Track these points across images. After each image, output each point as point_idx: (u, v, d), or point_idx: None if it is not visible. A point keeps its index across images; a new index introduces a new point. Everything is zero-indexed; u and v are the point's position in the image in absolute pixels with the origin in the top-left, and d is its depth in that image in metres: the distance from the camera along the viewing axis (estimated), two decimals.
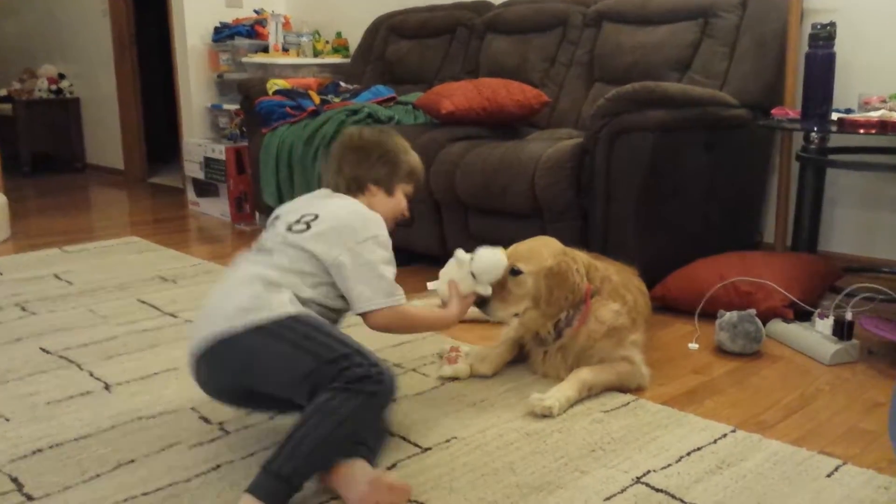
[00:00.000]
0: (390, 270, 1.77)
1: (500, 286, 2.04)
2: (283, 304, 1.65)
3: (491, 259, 1.96)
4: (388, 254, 1.79)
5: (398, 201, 1.94)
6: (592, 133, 2.71)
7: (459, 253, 1.96)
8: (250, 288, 1.69)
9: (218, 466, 1.69)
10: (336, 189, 1.90)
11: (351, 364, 1.56)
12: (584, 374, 2.01)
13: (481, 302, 2.02)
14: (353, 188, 1.89)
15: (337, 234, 1.74)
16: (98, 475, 1.67)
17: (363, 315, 1.75)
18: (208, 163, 4.59)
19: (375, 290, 1.72)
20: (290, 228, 1.79)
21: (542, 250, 2.10)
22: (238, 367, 1.65)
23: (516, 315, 2.10)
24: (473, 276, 1.94)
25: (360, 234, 1.75)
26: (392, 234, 1.85)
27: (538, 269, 2.06)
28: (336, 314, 1.78)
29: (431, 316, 1.93)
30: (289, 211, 1.86)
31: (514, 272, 2.06)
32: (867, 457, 1.70)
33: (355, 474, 1.55)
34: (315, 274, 1.72)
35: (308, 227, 1.76)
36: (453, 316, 1.91)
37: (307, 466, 1.51)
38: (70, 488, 1.62)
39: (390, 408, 1.72)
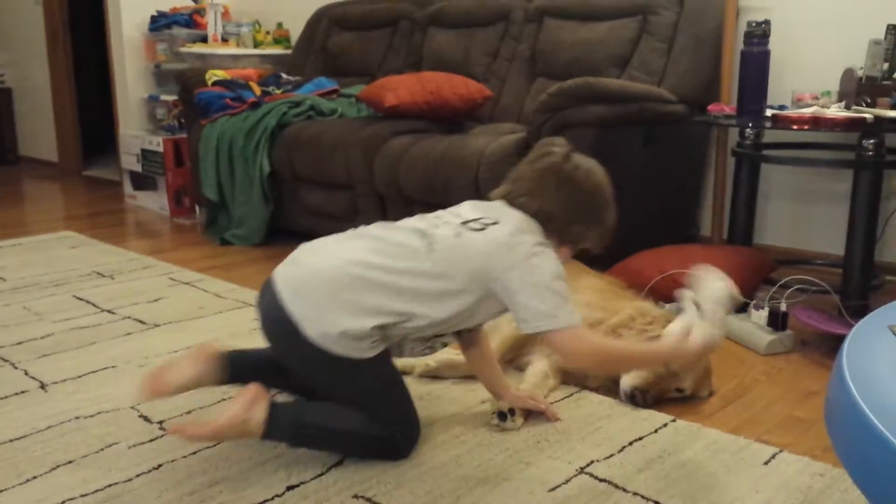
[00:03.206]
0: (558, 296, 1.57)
1: (654, 374, 1.91)
2: (362, 340, 1.57)
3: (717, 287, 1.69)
4: (557, 283, 1.59)
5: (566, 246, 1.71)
6: (535, 128, 2.74)
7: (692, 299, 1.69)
8: (347, 289, 1.58)
9: (159, 466, 1.66)
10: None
11: (396, 433, 1.65)
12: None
13: None
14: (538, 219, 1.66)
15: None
16: (35, 477, 1.62)
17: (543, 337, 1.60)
18: (146, 155, 4.49)
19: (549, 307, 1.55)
20: (465, 223, 1.64)
21: None
22: (290, 359, 1.68)
23: None
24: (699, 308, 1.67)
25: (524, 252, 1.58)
26: None
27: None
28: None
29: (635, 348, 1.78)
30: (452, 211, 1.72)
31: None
32: (803, 444, 1.76)
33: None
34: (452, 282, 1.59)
35: (484, 228, 1.62)
36: (667, 351, 1.69)
37: (300, 434, 1.64)
38: (6, 491, 1.57)
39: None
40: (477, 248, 1.59)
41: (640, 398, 1.90)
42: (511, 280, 1.56)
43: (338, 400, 1.65)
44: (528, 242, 1.60)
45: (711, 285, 1.67)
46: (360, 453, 1.67)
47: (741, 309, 2.47)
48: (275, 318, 1.62)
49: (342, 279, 1.58)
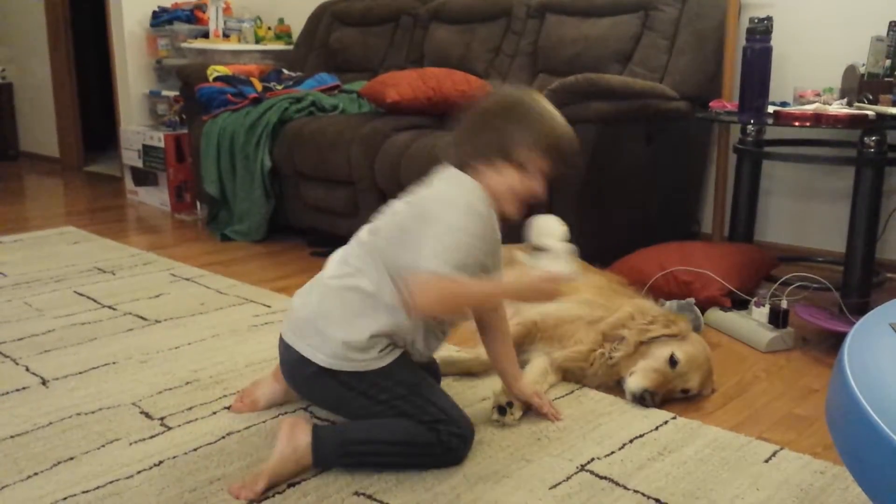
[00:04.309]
0: (451, 233, 1.54)
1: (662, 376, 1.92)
2: (368, 350, 1.59)
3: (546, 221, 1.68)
4: (462, 218, 1.56)
5: (510, 172, 1.63)
6: None
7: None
8: (335, 305, 1.61)
9: (160, 463, 1.66)
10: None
11: (443, 434, 1.60)
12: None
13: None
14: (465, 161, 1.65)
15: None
16: (36, 473, 1.62)
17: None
18: (147, 151, 4.49)
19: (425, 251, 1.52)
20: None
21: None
22: (325, 403, 1.74)
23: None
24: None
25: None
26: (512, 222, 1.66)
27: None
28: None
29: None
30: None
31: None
32: (803, 442, 1.76)
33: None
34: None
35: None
36: (513, 285, 1.69)
37: (349, 453, 1.60)
38: (7, 487, 1.57)
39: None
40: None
41: (650, 399, 1.90)
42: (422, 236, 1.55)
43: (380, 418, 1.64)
44: (441, 200, 1.60)
45: (544, 224, 1.67)
46: (417, 463, 1.62)
47: (742, 306, 2.47)
48: (292, 363, 1.66)
49: (329, 297, 1.63)
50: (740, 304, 2.49)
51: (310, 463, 1.59)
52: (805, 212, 3.19)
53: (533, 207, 1.68)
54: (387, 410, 1.62)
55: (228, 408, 1.91)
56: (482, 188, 1.62)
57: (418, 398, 1.62)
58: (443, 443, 1.61)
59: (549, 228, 1.66)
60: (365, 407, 1.63)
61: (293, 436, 1.59)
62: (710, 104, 2.96)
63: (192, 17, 4.89)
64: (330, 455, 1.60)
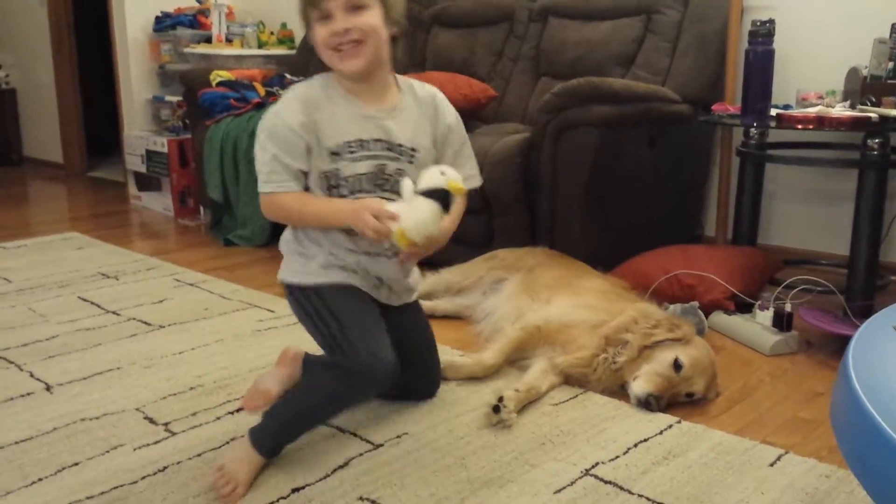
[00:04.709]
0: (262, 157, 1.68)
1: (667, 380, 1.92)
2: (289, 264, 1.79)
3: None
4: (265, 141, 1.68)
5: (314, 34, 1.66)
6: (539, 128, 2.74)
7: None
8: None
9: (164, 468, 1.67)
10: None
11: (342, 356, 1.63)
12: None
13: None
14: None
15: None
16: (40, 479, 1.62)
17: None
18: (150, 156, 4.50)
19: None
20: None
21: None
22: None
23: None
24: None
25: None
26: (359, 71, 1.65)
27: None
28: None
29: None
30: None
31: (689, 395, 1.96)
32: (808, 446, 1.75)
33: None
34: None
35: None
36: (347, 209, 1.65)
37: (281, 432, 1.67)
38: (11, 493, 1.57)
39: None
40: None
41: (655, 404, 1.89)
42: None
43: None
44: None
45: (429, 172, 1.62)
46: (339, 409, 1.72)
47: (746, 310, 2.47)
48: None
49: None
50: (744, 308, 2.49)
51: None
52: (809, 215, 3.18)
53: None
54: (320, 338, 1.71)
55: (234, 412, 1.91)
56: (306, 85, 1.73)
57: (334, 323, 1.67)
58: (350, 370, 1.62)
59: (442, 179, 1.60)
60: (312, 332, 1.75)
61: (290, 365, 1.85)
62: (713, 107, 2.96)
63: (195, 22, 4.90)
64: (272, 446, 1.66)
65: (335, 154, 1.68)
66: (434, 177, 1.60)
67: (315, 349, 1.79)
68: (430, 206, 1.57)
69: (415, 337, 1.92)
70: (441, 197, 1.58)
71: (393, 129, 1.71)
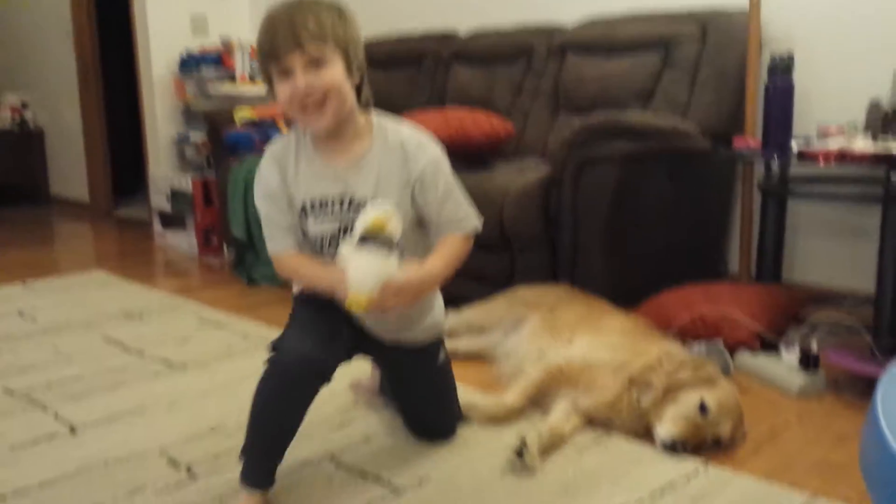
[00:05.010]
0: (261, 217, 1.78)
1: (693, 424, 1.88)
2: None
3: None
4: (258, 202, 1.77)
5: (276, 91, 1.65)
6: (559, 164, 2.74)
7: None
8: None
9: None
10: None
11: (269, 358, 1.66)
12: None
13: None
14: None
15: None
16: None
17: None
18: (175, 195, 4.55)
19: None
20: None
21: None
22: None
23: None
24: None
25: None
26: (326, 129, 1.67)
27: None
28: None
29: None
30: None
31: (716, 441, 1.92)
32: (838, 489, 1.72)
33: None
34: None
35: None
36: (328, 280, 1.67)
37: (247, 446, 1.67)
38: None
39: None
40: None
41: (681, 448, 1.86)
42: None
43: None
44: None
45: (363, 216, 1.60)
46: (256, 398, 1.65)
47: (772, 349, 2.44)
48: None
49: None
50: (770, 347, 2.45)
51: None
52: (833, 250, 3.14)
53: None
54: None
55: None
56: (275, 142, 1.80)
57: (288, 322, 1.76)
58: (263, 373, 1.64)
59: (364, 220, 1.58)
60: None
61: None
62: (734, 141, 2.94)
63: (219, 61, 4.97)
64: (255, 472, 1.67)
65: (302, 211, 1.72)
66: (358, 224, 1.59)
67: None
68: (364, 259, 1.55)
69: (416, 382, 1.94)
70: (373, 241, 1.56)
71: (354, 183, 1.70)
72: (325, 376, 1.65)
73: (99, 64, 5.94)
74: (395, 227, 1.59)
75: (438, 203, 1.73)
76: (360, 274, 1.55)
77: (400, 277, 1.60)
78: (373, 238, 1.56)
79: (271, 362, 1.64)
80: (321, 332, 1.68)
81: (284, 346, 1.65)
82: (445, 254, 1.73)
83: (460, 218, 1.77)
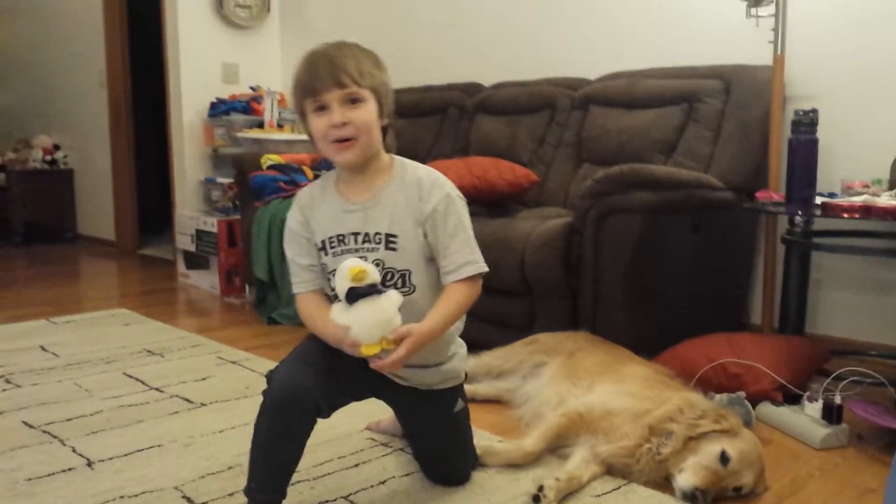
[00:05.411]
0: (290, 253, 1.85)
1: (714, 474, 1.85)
2: None
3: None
4: (284, 245, 1.87)
5: (310, 124, 1.72)
6: (581, 213, 2.75)
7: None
8: None
9: None
10: None
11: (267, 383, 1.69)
12: None
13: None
14: None
15: None
16: None
17: None
18: (200, 235, 4.61)
19: None
20: None
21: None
22: None
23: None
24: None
25: None
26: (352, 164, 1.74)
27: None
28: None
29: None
30: None
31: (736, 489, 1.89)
32: None
33: None
34: None
35: None
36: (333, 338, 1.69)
37: (248, 481, 1.70)
38: None
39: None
40: None
41: (701, 498, 1.83)
42: None
43: None
44: None
45: (340, 270, 1.61)
46: (255, 428, 1.69)
47: (794, 401, 2.41)
48: None
49: None
50: (792, 399, 2.43)
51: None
52: (857, 303, 3.12)
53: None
54: None
55: None
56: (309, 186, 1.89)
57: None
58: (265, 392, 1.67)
59: (341, 273, 1.60)
60: None
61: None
62: (757, 195, 2.95)
63: (248, 108, 5.07)
64: (259, 497, 1.70)
65: (322, 249, 1.77)
66: (338, 286, 1.61)
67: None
68: (362, 311, 1.58)
69: (430, 428, 1.93)
70: (360, 290, 1.58)
71: (371, 218, 1.74)
72: (315, 405, 1.65)
73: (130, 110, 6.07)
74: (374, 271, 1.62)
75: (447, 238, 1.73)
76: (363, 327, 1.58)
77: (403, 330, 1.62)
78: (358, 286, 1.58)
79: (264, 394, 1.68)
80: (314, 363, 1.69)
81: (275, 375, 1.69)
82: (443, 311, 1.71)
83: (466, 261, 1.74)
